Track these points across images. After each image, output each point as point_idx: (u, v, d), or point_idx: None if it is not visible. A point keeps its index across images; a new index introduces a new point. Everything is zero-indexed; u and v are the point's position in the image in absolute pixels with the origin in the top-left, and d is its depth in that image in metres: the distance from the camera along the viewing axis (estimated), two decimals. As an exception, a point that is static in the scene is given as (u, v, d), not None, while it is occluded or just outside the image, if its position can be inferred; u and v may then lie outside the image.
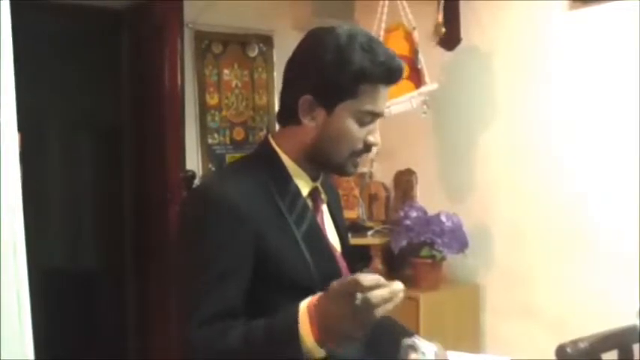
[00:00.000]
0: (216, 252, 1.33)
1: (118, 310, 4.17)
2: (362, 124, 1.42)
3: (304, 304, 1.23)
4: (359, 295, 1.13)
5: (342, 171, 1.48)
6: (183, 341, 1.33)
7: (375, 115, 1.43)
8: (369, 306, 1.13)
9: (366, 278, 1.14)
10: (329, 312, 1.18)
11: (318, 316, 1.19)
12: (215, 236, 1.33)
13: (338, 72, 1.38)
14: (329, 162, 1.46)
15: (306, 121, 1.42)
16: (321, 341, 1.20)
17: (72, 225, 4.88)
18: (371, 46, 1.39)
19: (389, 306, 1.15)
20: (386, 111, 3.08)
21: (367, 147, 1.44)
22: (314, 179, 1.51)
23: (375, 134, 1.44)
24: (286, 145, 1.47)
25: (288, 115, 1.46)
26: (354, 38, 1.39)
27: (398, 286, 1.17)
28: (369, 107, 1.40)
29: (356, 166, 1.48)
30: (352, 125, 1.41)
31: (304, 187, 1.48)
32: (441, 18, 3.19)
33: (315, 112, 1.41)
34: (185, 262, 1.38)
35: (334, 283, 1.19)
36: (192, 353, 1.31)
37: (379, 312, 1.14)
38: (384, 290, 1.14)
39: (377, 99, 1.41)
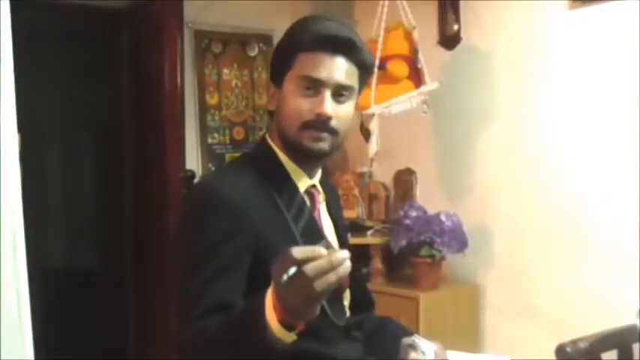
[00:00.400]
0: (215, 252, 1.33)
1: (118, 310, 4.17)
2: (305, 93, 1.41)
3: (269, 289, 1.16)
4: (292, 270, 1.07)
5: (301, 147, 1.43)
6: (180, 341, 1.33)
7: (317, 82, 1.40)
8: (304, 279, 1.06)
9: (299, 250, 1.07)
10: (279, 291, 1.12)
11: (275, 297, 1.13)
12: (214, 236, 1.34)
13: (280, 47, 1.47)
14: (289, 141, 1.44)
15: (270, 107, 1.49)
16: (284, 323, 1.14)
17: (72, 225, 4.89)
18: (315, 20, 1.45)
19: (331, 277, 1.07)
20: (385, 111, 3.10)
21: (319, 118, 1.40)
22: (311, 176, 1.51)
23: (323, 103, 1.40)
24: (275, 140, 1.50)
25: (269, 111, 1.53)
26: (305, 18, 1.47)
27: (340, 254, 1.08)
28: (306, 72, 1.40)
29: (315, 140, 1.42)
30: (295, 96, 1.42)
31: (301, 183, 1.49)
32: (451, 15, 3.20)
33: (275, 96, 1.47)
34: (183, 260, 1.39)
35: (275, 259, 1.12)
36: (188, 353, 1.31)
37: (321, 284, 1.06)
38: (320, 261, 1.06)
39: (316, 65, 1.40)
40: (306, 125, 1.41)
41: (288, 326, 1.15)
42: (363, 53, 1.46)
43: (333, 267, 1.07)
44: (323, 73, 1.40)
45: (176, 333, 1.35)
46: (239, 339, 1.21)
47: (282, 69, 1.44)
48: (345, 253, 1.08)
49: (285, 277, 1.07)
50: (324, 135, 1.42)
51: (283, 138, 1.46)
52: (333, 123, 1.41)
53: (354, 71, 1.45)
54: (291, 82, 1.42)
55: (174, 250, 1.44)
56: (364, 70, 1.48)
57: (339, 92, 1.42)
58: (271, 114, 1.51)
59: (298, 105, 1.41)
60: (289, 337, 1.16)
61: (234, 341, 1.22)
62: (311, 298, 1.10)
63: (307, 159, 1.48)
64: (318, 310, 1.15)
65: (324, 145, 1.43)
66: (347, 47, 1.43)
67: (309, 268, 1.06)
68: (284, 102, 1.43)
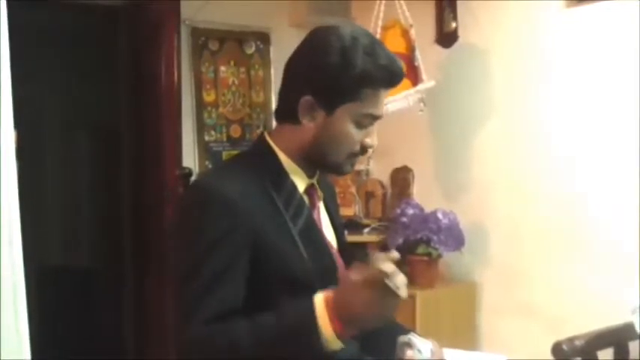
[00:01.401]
0: (213, 250, 1.33)
1: (116, 309, 4.16)
2: (361, 126, 1.42)
3: (320, 298, 1.25)
4: (389, 283, 1.19)
5: (339, 171, 1.49)
6: (181, 341, 1.33)
7: (375, 118, 1.44)
8: (395, 291, 1.20)
9: (388, 266, 1.20)
10: (353, 303, 1.22)
11: (339, 308, 1.22)
12: (212, 234, 1.33)
13: (340, 75, 1.38)
14: (326, 162, 1.46)
15: (305, 121, 1.42)
16: (341, 333, 1.23)
17: (69, 223, 4.88)
18: (374, 49, 1.40)
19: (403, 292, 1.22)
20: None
21: (364, 149, 1.46)
22: (310, 176, 1.51)
23: (372, 136, 1.45)
24: (283, 142, 1.47)
25: (287, 114, 1.46)
26: (357, 40, 1.39)
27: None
28: (369, 110, 1.41)
29: (353, 165, 1.49)
30: (351, 128, 1.42)
31: (300, 183, 1.48)
32: (449, 13, 3.20)
33: (315, 113, 1.41)
34: (182, 260, 1.38)
35: (352, 274, 1.24)
36: (192, 354, 1.31)
37: (404, 294, 1.22)
38: (401, 275, 1.21)
39: (378, 102, 1.42)
40: (353, 154, 1.46)
41: (338, 334, 1.24)
42: None
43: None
44: (381, 110, 1.45)
45: (178, 334, 1.34)
46: (279, 346, 1.27)
47: (340, 97, 1.40)
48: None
49: (392, 285, 1.20)
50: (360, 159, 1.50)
51: (316, 156, 1.45)
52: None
53: None
54: (349, 115, 1.41)
55: (172, 248, 1.43)
56: None
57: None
58: (284, 115, 1.47)
59: (353, 137, 1.43)
60: (338, 345, 1.25)
61: (270, 348, 1.27)
62: (392, 309, 1.26)
63: (323, 170, 1.54)
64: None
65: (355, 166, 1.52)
66: (400, 82, 1.47)
67: (399, 280, 1.22)
68: (334, 129, 1.42)
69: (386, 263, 1.21)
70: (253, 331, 1.27)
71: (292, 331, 1.26)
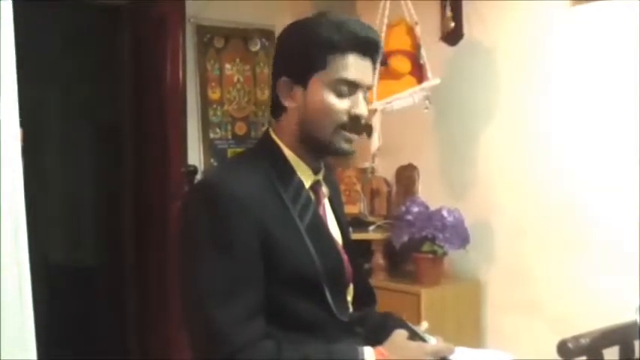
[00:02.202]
0: (229, 251, 1.32)
1: (118, 306, 4.17)
2: (340, 95, 1.41)
3: (370, 352, 1.37)
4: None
5: (333, 148, 1.45)
6: (212, 334, 1.31)
7: (353, 85, 1.42)
8: None
9: (449, 347, 1.43)
10: None
11: None
12: (225, 234, 1.32)
13: (305, 45, 1.42)
14: (318, 140, 1.44)
15: (287, 103, 1.45)
16: None
17: (73, 221, 4.89)
18: (340, 19, 1.42)
19: None
20: (388, 106, 3.10)
21: (353, 119, 1.43)
22: (315, 172, 1.51)
23: (358, 105, 1.43)
24: (283, 136, 1.48)
25: (276, 106, 1.48)
26: (323, 15, 1.43)
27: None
28: (342, 75, 1.41)
29: (348, 141, 1.45)
30: (330, 97, 1.41)
31: (306, 179, 1.48)
32: (449, 12, 3.19)
33: (293, 92, 1.44)
34: (195, 262, 1.35)
35: (413, 346, 1.42)
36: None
37: None
38: None
39: (351, 68, 1.41)
40: (341, 127, 1.42)
41: None
42: (382, 53, 1.50)
43: None
44: (359, 76, 1.42)
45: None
46: None
47: (307, 68, 1.42)
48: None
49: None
50: (356, 137, 1.46)
51: (308, 137, 1.45)
52: (363, 122, 1.46)
53: (373, 70, 1.48)
54: (321, 83, 1.41)
55: (177, 249, 1.41)
56: (376, 67, 1.52)
57: (365, 93, 1.46)
58: (277, 109, 1.49)
59: (334, 106, 1.41)
60: None
61: None
62: None
63: (321, 154, 1.50)
64: None
65: (354, 146, 1.47)
66: (376, 49, 1.45)
67: None
68: (313, 103, 1.42)
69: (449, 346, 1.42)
70: None
71: None
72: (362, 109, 1.43)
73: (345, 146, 1.45)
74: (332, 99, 1.41)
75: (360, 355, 1.36)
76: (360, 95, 1.43)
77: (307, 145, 1.46)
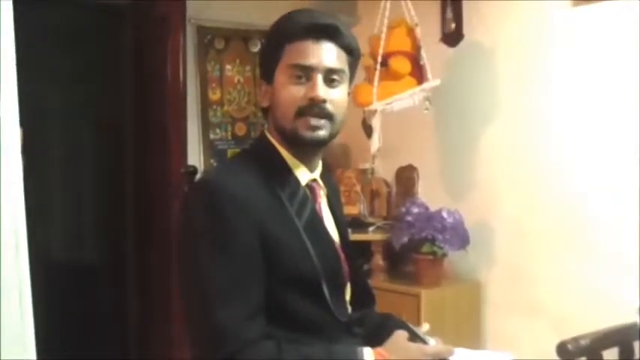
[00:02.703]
0: (228, 251, 1.32)
1: (119, 305, 4.17)
2: (297, 82, 1.43)
3: (369, 352, 1.38)
4: None
5: (297, 137, 1.44)
6: (214, 333, 1.32)
7: (308, 69, 1.43)
8: None
9: (449, 349, 1.44)
10: None
11: None
12: (224, 234, 1.33)
13: (266, 44, 1.51)
14: (285, 131, 1.45)
15: (264, 104, 1.50)
16: None
17: (74, 219, 4.89)
18: (294, 12, 1.48)
19: None
20: (388, 107, 3.10)
21: (312, 103, 1.42)
22: (311, 170, 1.51)
23: (315, 88, 1.42)
24: (274, 135, 1.50)
25: (262, 108, 1.55)
26: (287, 13, 1.49)
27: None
28: (295, 60, 1.43)
29: (310, 128, 1.43)
30: (288, 85, 1.43)
31: (302, 177, 1.49)
32: (450, 13, 3.19)
33: (267, 92, 1.49)
34: (196, 262, 1.36)
35: (413, 347, 1.42)
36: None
37: None
38: None
39: (304, 53, 1.43)
40: (301, 112, 1.42)
41: None
42: (348, 38, 1.48)
43: None
44: (312, 60, 1.43)
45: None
46: None
47: (271, 63, 1.47)
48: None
49: None
50: (322, 122, 1.43)
51: (280, 131, 1.46)
52: (329, 107, 1.43)
53: (342, 55, 1.48)
54: (281, 73, 1.44)
55: (177, 249, 1.41)
56: (352, 55, 1.51)
57: (331, 77, 1.45)
58: (265, 111, 1.53)
59: (291, 93, 1.43)
60: None
61: None
62: None
63: (305, 148, 1.48)
64: None
65: (322, 133, 1.44)
66: (332, 33, 1.45)
67: None
68: (276, 94, 1.45)
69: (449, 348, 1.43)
70: None
71: None
72: (317, 92, 1.42)
73: (309, 134, 1.43)
74: (289, 86, 1.43)
75: (360, 356, 1.36)
76: (317, 78, 1.43)
77: (283, 138, 1.48)
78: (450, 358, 1.42)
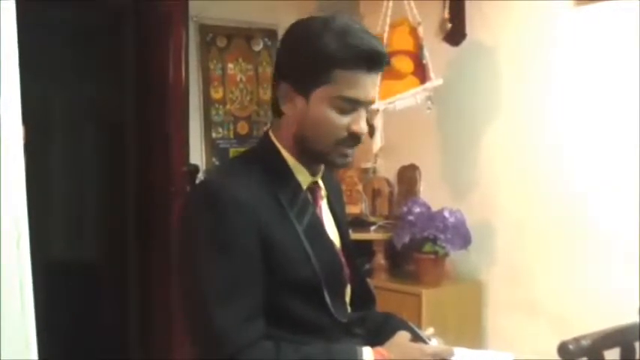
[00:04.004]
0: (228, 253, 1.32)
1: (120, 304, 4.17)
2: (342, 111, 1.38)
3: (369, 352, 1.38)
4: None
5: (328, 161, 1.45)
6: (213, 335, 1.32)
7: (355, 102, 1.39)
8: None
9: (449, 350, 1.42)
10: None
11: None
12: (224, 236, 1.32)
13: (310, 57, 1.37)
14: (314, 152, 1.43)
15: (286, 109, 1.43)
16: None
17: (75, 219, 4.89)
18: (345, 30, 1.37)
19: None
20: (390, 106, 3.10)
21: (352, 136, 1.40)
22: (313, 174, 1.51)
23: (359, 122, 1.40)
24: (281, 137, 1.47)
25: (275, 106, 1.47)
26: (329, 24, 1.38)
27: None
28: (345, 93, 1.37)
29: (344, 156, 1.43)
30: (331, 113, 1.38)
31: (303, 181, 1.48)
32: (447, 14, 3.19)
33: (295, 100, 1.41)
34: (195, 263, 1.36)
35: (414, 346, 1.42)
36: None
37: None
38: None
39: (355, 85, 1.37)
40: (340, 143, 1.40)
41: None
42: (387, 62, 1.45)
43: None
44: (362, 94, 1.39)
45: (211, 350, 1.34)
46: None
47: (312, 80, 1.38)
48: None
49: None
50: (352, 151, 1.44)
51: (305, 147, 1.44)
52: (362, 137, 1.43)
53: (377, 81, 1.46)
54: (325, 98, 1.38)
55: (180, 249, 1.41)
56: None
57: (367, 107, 1.44)
58: (278, 110, 1.47)
59: (334, 123, 1.38)
60: None
61: None
62: None
63: (317, 162, 1.49)
64: None
65: (350, 159, 1.45)
66: (381, 63, 1.41)
67: None
68: (314, 116, 1.39)
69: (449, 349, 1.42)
70: None
71: None
72: (362, 127, 1.40)
73: (340, 160, 1.44)
74: (333, 115, 1.38)
75: (359, 355, 1.36)
76: (362, 112, 1.41)
77: (305, 153, 1.45)
78: (451, 358, 1.42)
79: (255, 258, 1.34)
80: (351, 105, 1.39)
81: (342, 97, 1.37)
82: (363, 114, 1.41)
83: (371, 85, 1.40)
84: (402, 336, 1.44)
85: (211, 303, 1.31)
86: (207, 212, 1.35)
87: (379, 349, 1.39)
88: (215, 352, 1.30)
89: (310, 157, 1.46)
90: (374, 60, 1.39)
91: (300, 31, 1.42)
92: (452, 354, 1.40)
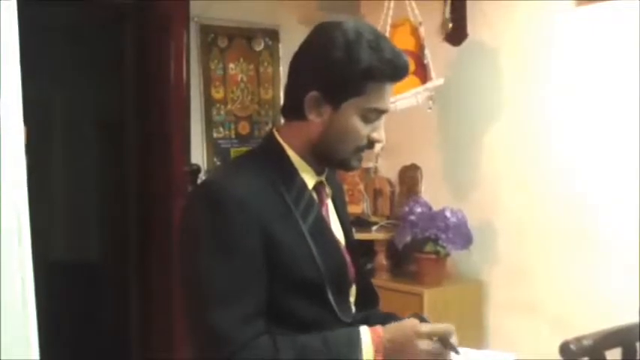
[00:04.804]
0: (231, 253, 1.32)
1: (121, 304, 4.17)
2: (367, 120, 1.42)
3: (369, 331, 1.36)
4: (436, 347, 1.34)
5: (346, 166, 1.49)
6: (212, 335, 1.31)
7: (381, 112, 1.44)
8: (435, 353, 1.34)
9: (446, 327, 1.37)
10: (405, 350, 1.35)
11: (389, 348, 1.35)
12: (227, 236, 1.32)
13: (345, 70, 1.37)
14: (334, 157, 1.46)
15: (312, 117, 1.42)
16: None
17: (76, 218, 4.90)
18: (378, 43, 1.39)
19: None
20: (391, 106, 3.10)
21: (371, 143, 1.46)
22: (319, 173, 1.51)
23: (379, 131, 1.45)
24: (291, 139, 1.47)
25: (294, 110, 1.45)
26: (362, 35, 1.38)
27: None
28: (375, 105, 1.41)
29: (360, 160, 1.49)
30: (358, 122, 1.41)
31: (309, 180, 1.48)
32: (448, 13, 3.19)
33: (322, 109, 1.41)
34: (197, 264, 1.35)
35: (414, 322, 1.37)
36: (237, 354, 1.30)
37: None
38: (455, 337, 1.37)
39: (383, 96, 1.42)
40: (360, 149, 1.46)
41: None
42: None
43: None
44: (387, 104, 1.45)
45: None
46: None
47: (345, 91, 1.39)
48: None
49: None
50: (365, 154, 1.49)
51: (323, 152, 1.46)
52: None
53: None
54: (355, 109, 1.41)
55: (182, 249, 1.41)
56: None
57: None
58: (292, 112, 1.47)
59: (360, 132, 1.43)
60: None
61: None
62: None
63: (330, 166, 1.54)
64: None
65: (362, 161, 1.52)
66: (405, 75, 1.46)
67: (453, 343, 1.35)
68: (340, 124, 1.41)
69: (446, 326, 1.37)
70: (300, 351, 1.32)
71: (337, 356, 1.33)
72: (382, 136, 1.46)
73: (357, 164, 1.49)
74: (359, 124, 1.42)
75: (356, 334, 1.35)
76: (382, 120, 1.46)
77: (320, 157, 1.47)
78: (453, 357, 1.41)
79: (257, 258, 1.34)
80: (377, 115, 1.44)
81: (372, 109, 1.42)
82: (382, 122, 1.46)
83: (390, 95, 1.47)
84: (410, 321, 1.41)
85: (211, 303, 1.31)
86: (208, 212, 1.35)
87: (376, 327, 1.38)
88: (214, 352, 1.30)
89: (326, 160, 1.49)
90: (402, 72, 1.44)
91: (331, 39, 1.40)
92: (451, 332, 1.37)
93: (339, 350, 1.33)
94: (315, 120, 1.42)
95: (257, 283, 1.34)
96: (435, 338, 1.35)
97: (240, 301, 1.31)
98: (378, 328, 1.38)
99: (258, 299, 1.34)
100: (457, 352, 1.35)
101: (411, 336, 1.34)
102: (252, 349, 1.29)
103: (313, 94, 1.40)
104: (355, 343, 1.34)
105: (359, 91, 1.39)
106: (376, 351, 1.33)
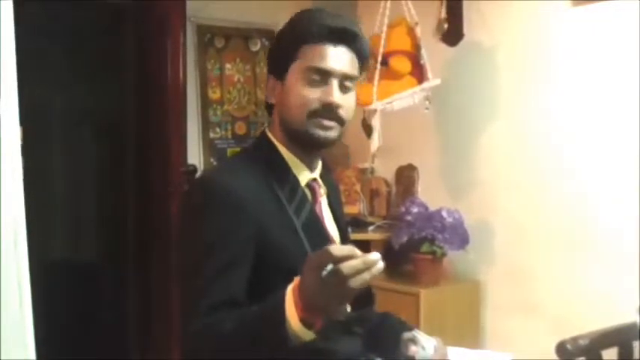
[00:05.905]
0: (219, 242, 1.34)
1: (119, 305, 4.17)
2: (312, 83, 1.43)
3: (290, 286, 1.19)
4: (329, 267, 1.10)
5: (308, 136, 1.45)
6: (184, 332, 1.33)
7: (325, 73, 1.43)
8: (340, 277, 1.09)
9: (338, 248, 1.11)
10: (307, 287, 1.14)
11: (300, 293, 1.15)
12: (217, 227, 1.34)
13: (282, 40, 1.48)
14: (294, 131, 1.46)
15: (271, 100, 1.49)
16: (304, 321, 1.16)
17: (74, 218, 4.89)
18: (315, 13, 1.47)
19: (365, 276, 1.11)
20: (388, 107, 3.10)
21: (326, 107, 1.43)
22: (311, 169, 1.52)
23: (331, 93, 1.43)
24: (275, 133, 1.51)
25: (267, 104, 1.55)
26: (305, 11, 1.50)
27: (373, 256, 1.14)
28: (313, 64, 1.43)
29: (322, 128, 1.44)
30: (302, 87, 1.43)
31: (302, 177, 1.50)
32: (444, 14, 3.19)
33: (275, 88, 1.48)
34: (187, 253, 1.38)
35: (309, 255, 1.18)
36: (191, 343, 1.31)
37: (354, 283, 1.10)
38: (356, 261, 1.11)
39: (322, 57, 1.43)
40: (314, 114, 1.43)
41: (307, 324, 1.16)
42: (365, 44, 1.50)
43: (367, 266, 1.12)
44: (330, 64, 1.43)
45: (182, 327, 1.34)
46: (256, 335, 1.22)
47: (284, 61, 1.46)
48: (376, 255, 1.14)
49: (323, 272, 1.10)
50: (332, 124, 1.45)
51: (288, 129, 1.47)
52: (341, 112, 1.45)
53: (355, 61, 1.49)
54: (296, 73, 1.44)
55: (178, 245, 1.43)
56: (362, 61, 1.52)
57: (344, 82, 1.46)
58: (270, 107, 1.53)
59: (305, 94, 1.43)
60: (308, 335, 1.17)
61: (250, 337, 1.23)
62: (342, 296, 1.14)
63: (311, 148, 1.50)
64: (343, 310, 1.21)
65: (332, 134, 1.46)
66: (351, 38, 1.46)
67: (347, 267, 1.09)
68: (288, 93, 1.45)
69: (339, 246, 1.13)
70: (238, 321, 1.25)
71: (265, 321, 1.21)
72: (333, 97, 1.43)
73: (320, 132, 1.45)
74: (304, 88, 1.43)
75: (280, 298, 1.20)
76: (333, 83, 1.44)
77: (289, 137, 1.48)
78: (450, 358, 1.41)
79: (245, 252, 1.35)
80: (321, 76, 1.44)
81: (310, 68, 1.43)
82: (334, 85, 1.44)
83: (342, 59, 1.45)
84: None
85: (194, 290, 1.32)
86: (202, 206, 1.37)
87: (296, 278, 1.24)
88: (184, 319, 1.33)
89: (294, 138, 1.48)
90: (341, 34, 1.45)
91: (282, 26, 1.53)
92: (377, 259, 1.15)
93: (264, 313, 1.23)
94: (273, 102, 1.49)
95: (237, 276, 1.34)
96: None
97: (219, 290, 1.30)
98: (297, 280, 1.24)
99: (236, 292, 1.33)
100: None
101: (307, 271, 1.15)
102: (205, 318, 1.28)
103: (269, 77, 1.50)
104: (279, 310, 1.19)
105: (295, 55, 1.44)
106: (295, 306, 1.16)
